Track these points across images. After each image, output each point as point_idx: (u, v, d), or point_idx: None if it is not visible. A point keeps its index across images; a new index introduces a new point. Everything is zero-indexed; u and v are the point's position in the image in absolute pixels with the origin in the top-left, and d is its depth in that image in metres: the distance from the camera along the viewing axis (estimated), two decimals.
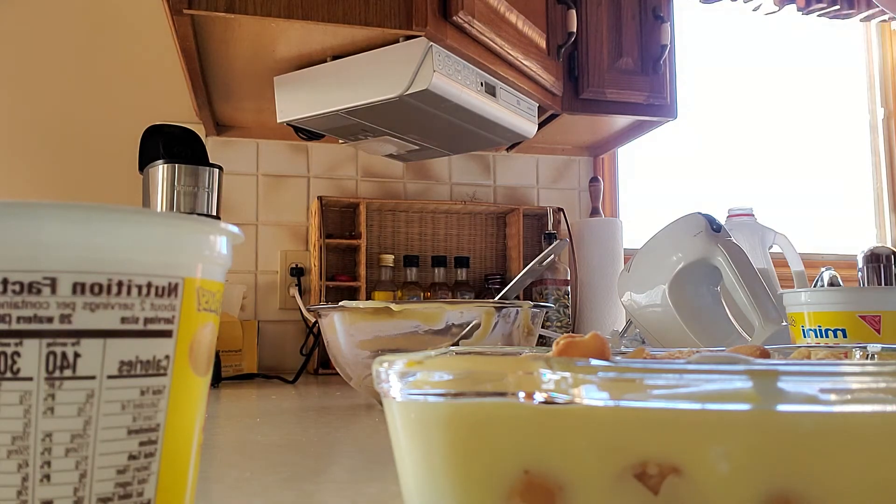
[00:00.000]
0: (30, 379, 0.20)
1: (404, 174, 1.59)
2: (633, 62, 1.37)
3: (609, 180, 1.79)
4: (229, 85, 1.22)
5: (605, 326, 1.53)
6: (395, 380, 0.24)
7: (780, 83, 2.10)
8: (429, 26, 0.97)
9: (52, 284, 0.21)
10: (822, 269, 1.46)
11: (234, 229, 0.26)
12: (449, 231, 1.57)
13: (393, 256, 1.47)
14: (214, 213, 1.15)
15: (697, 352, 0.33)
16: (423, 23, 0.96)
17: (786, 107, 2.09)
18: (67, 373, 0.21)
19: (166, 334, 0.23)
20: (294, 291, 1.44)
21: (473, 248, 1.59)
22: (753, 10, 1.94)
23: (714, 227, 1.03)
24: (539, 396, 0.21)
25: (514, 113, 1.19)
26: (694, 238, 1.03)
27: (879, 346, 0.35)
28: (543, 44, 1.22)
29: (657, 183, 1.95)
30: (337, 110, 1.07)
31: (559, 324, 1.47)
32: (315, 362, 1.39)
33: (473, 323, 0.74)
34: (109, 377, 0.21)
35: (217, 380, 1.17)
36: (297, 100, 1.11)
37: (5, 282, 0.20)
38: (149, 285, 0.22)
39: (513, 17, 1.12)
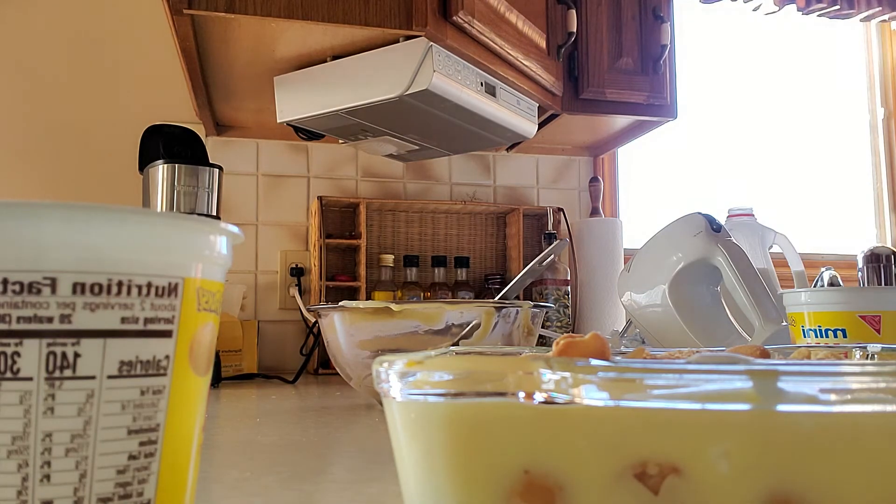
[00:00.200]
0: (30, 379, 0.20)
1: (404, 174, 1.59)
2: (633, 62, 1.37)
3: (609, 180, 1.79)
4: (229, 85, 1.22)
5: (605, 326, 1.53)
6: (395, 380, 0.24)
7: (780, 83, 2.10)
8: (429, 26, 0.97)
9: (52, 284, 0.21)
10: (822, 269, 1.46)
11: (234, 229, 0.26)
12: (449, 231, 1.57)
13: (393, 256, 1.47)
14: (214, 213, 1.15)
15: (697, 352, 0.33)
16: (423, 23, 0.96)
17: (786, 107, 2.09)
18: (67, 373, 0.21)
19: (166, 334, 0.23)
20: (294, 291, 1.44)
21: (473, 248, 1.59)
22: (753, 11, 1.94)
23: (714, 227, 1.03)
24: (539, 396, 0.21)
25: (514, 113, 1.19)
26: (694, 238, 1.03)
27: (879, 346, 0.35)
28: (543, 44, 1.22)
29: (657, 183, 1.95)
30: (337, 110, 1.07)
31: (559, 324, 1.47)
32: (315, 362, 1.39)
33: (473, 323, 0.74)
34: (109, 377, 0.21)
35: (217, 380, 1.17)
36: (297, 100, 1.11)
37: (5, 282, 0.20)
38: (149, 285, 0.22)
39: (513, 17, 1.12)
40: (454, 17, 0.99)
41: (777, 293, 0.94)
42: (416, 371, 0.23)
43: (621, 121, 1.45)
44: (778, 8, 1.91)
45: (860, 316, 0.72)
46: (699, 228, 1.03)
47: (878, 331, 0.72)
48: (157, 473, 0.23)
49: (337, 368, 0.83)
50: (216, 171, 1.14)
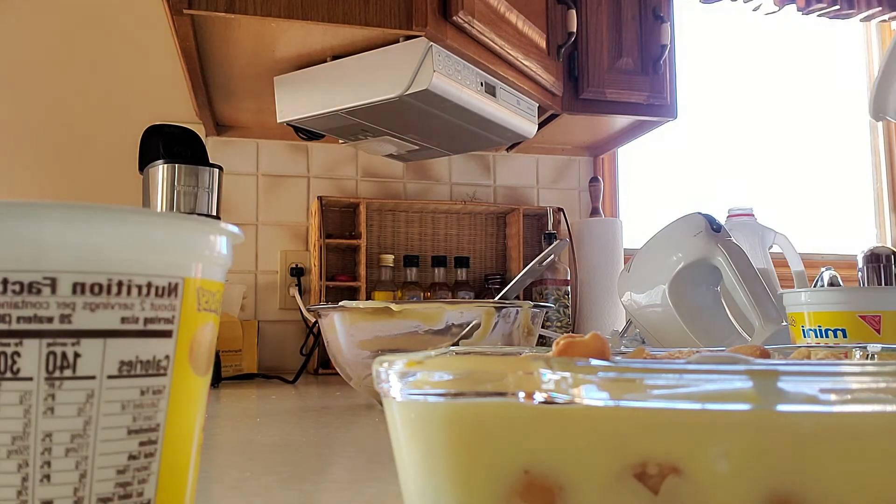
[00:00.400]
0: (30, 379, 0.20)
1: (404, 174, 1.59)
2: (633, 62, 1.37)
3: (609, 180, 1.79)
4: (229, 85, 1.22)
5: (605, 326, 1.53)
6: (395, 380, 0.24)
7: (780, 83, 2.10)
8: (429, 26, 0.97)
9: (52, 284, 0.21)
10: (822, 269, 1.46)
11: (234, 229, 0.26)
12: (449, 231, 1.57)
13: (393, 256, 1.47)
14: (214, 213, 1.15)
15: (697, 352, 0.33)
16: (423, 23, 0.96)
17: (786, 107, 2.09)
18: (67, 373, 0.21)
19: (166, 334, 0.23)
20: (294, 291, 1.44)
21: (473, 248, 1.59)
22: (753, 11, 1.94)
23: (714, 227, 1.03)
24: (539, 396, 0.21)
25: (514, 113, 1.19)
26: (694, 238, 1.03)
27: (879, 346, 0.35)
28: (543, 44, 1.22)
29: (657, 183, 1.95)
30: (337, 110, 1.07)
31: (559, 324, 1.47)
32: (315, 362, 1.39)
33: (473, 323, 0.74)
34: (109, 377, 0.21)
35: (217, 380, 1.17)
36: (297, 100, 1.11)
37: (5, 282, 0.20)
38: (149, 285, 0.22)
39: (513, 17, 1.12)
40: (454, 17, 0.99)
41: (777, 293, 0.94)
42: (416, 371, 0.23)
43: (621, 121, 1.45)
44: (778, 8, 1.91)
45: (860, 316, 0.72)
46: (699, 228, 1.03)
47: (878, 331, 0.72)
48: (157, 473, 0.23)
49: (337, 368, 0.83)
50: (216, 171, 1.14)
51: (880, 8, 1.94)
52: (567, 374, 0.21)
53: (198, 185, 1.12)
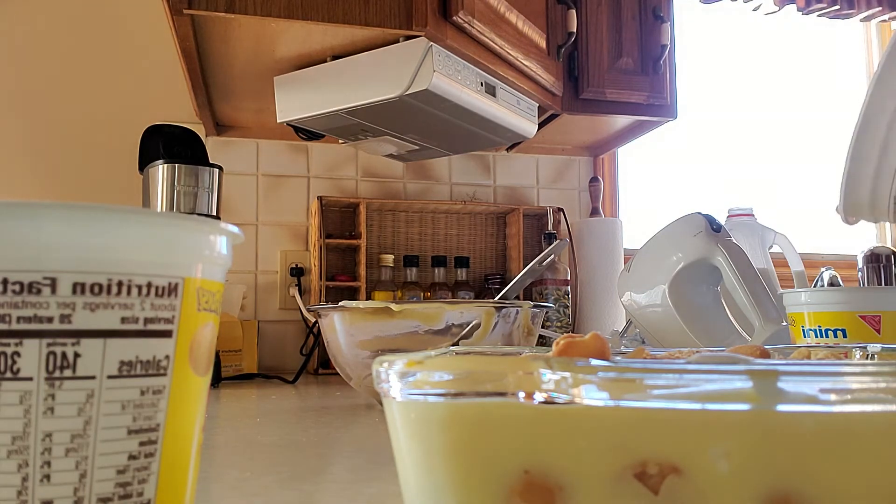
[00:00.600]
0: (30, 379, 0.20)
1: (404, 174, 1.59)
2: (633, 62, 1.37)
3: (609, 180, 1.79)
4: (229, 85, 1.22)
5: (605, 326, 1.53)
6: (395, 380, 0.24)
7: (780, 83, 2.10)
8: (429, 26, 0.97)
9: (52, 284, 0.21)
10: (822, 269, 1.46)
11: (234, 229, 0.26)
12: (449, 231, 1.57)
13: (393, 256, 1.47)
14: (214, 213, 1.15)
15: (697, 352, 0.33)
16: (423, 23, 0.96)
17: (786, 107, 2.09)
18: (67, 373, 0.21)
19: (166, 334, 0.23)
20: (294, 291, 1.44)
21: (473, 248, 1.59)
22: (753, 10, 1.94)
23: (714, 227, 1.03)
24: (539, 396, 0.21)
25: (514, 113, 1.19)
26: (694, 238, 1.03)
27: (879, 346, 0.35)
28: (543, 44, 1.22)
29: (657, 183, 1.95)
30: (337, 110, 1.07)
31: (559, 324, 1.47)
32: (315, 362, 1.39)
33: (473, 323, 0.74)
34: (109, 377, 0.21)
35: (217, 380, 1.17)
36: (297, 100, 1.11)
37: (5, 282, 0.20)
38: (149, 285, 0.22)
39: (513, 16, 1.12)
40: (454, 17, 0.99)
41: (777, 293, 0.94)
42: (416, 371, 0.23)
43: (621, 121, 1.45)
44: (778, 8, 1.91)
45: (860, 316, 0.72)
46: (699, 228, 1.03)
47: (878, 331, 0.72)
48: (157, 473, 0.23)
49: (337, 368, 0.83)
50: (216, 171, 1.14)
51: (880, 8, 1.94)
52: (567, 374, 0.21)
53: (198, 185, 1.12)
